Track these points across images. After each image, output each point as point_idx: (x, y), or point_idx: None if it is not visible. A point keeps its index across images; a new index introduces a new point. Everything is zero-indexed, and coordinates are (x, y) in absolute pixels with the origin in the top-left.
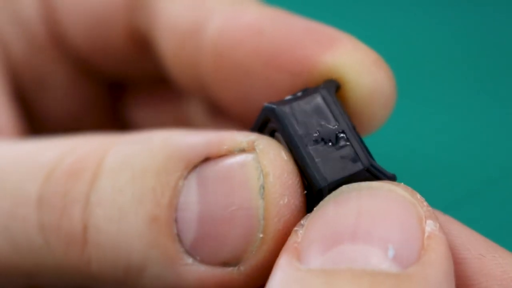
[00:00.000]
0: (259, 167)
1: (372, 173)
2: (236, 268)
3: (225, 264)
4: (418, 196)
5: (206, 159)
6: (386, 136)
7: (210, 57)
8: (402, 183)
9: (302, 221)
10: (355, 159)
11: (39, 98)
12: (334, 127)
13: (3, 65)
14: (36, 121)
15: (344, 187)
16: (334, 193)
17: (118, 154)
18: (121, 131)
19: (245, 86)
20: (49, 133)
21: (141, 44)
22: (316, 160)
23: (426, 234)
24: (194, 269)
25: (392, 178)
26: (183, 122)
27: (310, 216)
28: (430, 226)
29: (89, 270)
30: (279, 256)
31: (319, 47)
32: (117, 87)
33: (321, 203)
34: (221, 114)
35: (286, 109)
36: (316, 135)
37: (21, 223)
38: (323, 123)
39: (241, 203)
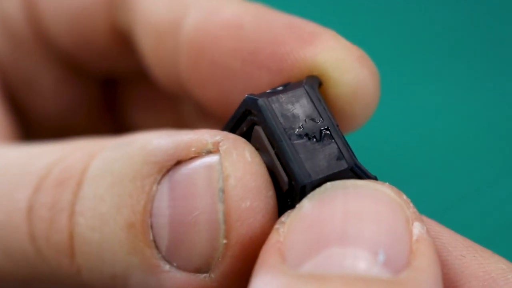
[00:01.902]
0: (221, 169)
1: (356, 173)
2: (208, 275)
3: (198, 270)
4: (404, 197)
5: (178, 162)
6: (370, 131)
7: (187, 54)
8: (387, 183)
9: (282, 218)
10: (340, 157)
11: (28, 98)
12: (318, 123)
13: None
14: (27, 121)
15: (328, 184)
16: (318, 190)
17: (101, 160)
18: (117, 129)
19: (224, 85)
20: (41, 132)
21: (123, 41)
22: (300, 155)
23: (414, 237)
24: (172, 275)
25: (374, 179)
26: (179, 119)
27: (293, 213)
28: (417, 228)
29: (81, 278)
30: (261, 255)
31: (299, 43)
32: (111, 85)
33: (304, 200)
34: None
35: (269, 101)
36: (300, 130)
37: (13, 232)
38: (307, 118)
39: (203, 207)
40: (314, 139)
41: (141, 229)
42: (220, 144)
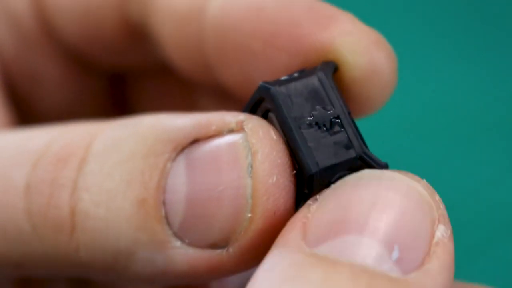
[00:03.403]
0: (248, 145)
1: (365, 161)
2: (225, 250)
3: (214, 246)
4: (437, 197)
5: (195, 141)
6: (369, 131)
7: (213, 36)
8: (425, 180)
9: (317, 196)
10: (348, 145)
11: (32, 93)
12: (329, 112)
13: None
14: (30, 116)
15: (366, 172)
16: (355, 175)
17: (106, 138)
18: None
19: (248, 67)
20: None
21: (135, 33)
22: (309, 144)
23: (434, 240)
24: (183, 252)
25: (384, 167)
26: (191, 110)
27: (327, 193)
28: (440, 231)
29: (78, 257)
30: (286, 227)
31: (317, 26)
32: (119, 80)
33: (340, 182)
34: (228, 99)
35: (282, 89)
36: (311, 118)
37: (9, 210)
38: (318, 106)
39: (229, 182)
40: (324, 128)
41: (153, 205)
42: (244, 123)
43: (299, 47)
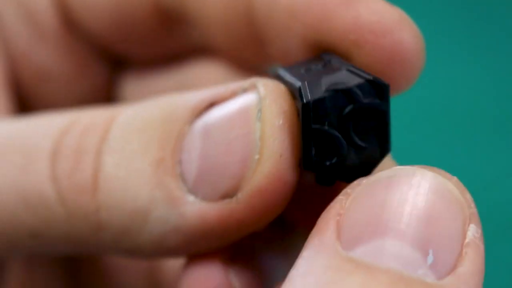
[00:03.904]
0: (259, 96)
1: (352, 72)
2: (234, 198)
3: (225, 196)
4: (468, 195)
5: (212, 104)
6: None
7: (263, 11)
8: (456, 178)
9: (348, 190)
10: (339, 68)
11: (38, 90)
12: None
13: (2, 57)
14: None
15: (398, 169)
16: (388, 171)
17: (129, 112)
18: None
19: (289, 38)
20: None
21: (167, 19)
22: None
23: (466, 240)
24: (196, 207)
25: (371, 79)
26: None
27: (359, 190)
28: (472, 231)
29: (97, 218)
30: (319, 223)
31: (338, 4)
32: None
33: (372, 179)
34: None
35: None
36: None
37: (33, 176)
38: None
39: (240, 129)
40: (320, 67)
41: (170, 163)
42: (257, 82)
43: (323, 25)
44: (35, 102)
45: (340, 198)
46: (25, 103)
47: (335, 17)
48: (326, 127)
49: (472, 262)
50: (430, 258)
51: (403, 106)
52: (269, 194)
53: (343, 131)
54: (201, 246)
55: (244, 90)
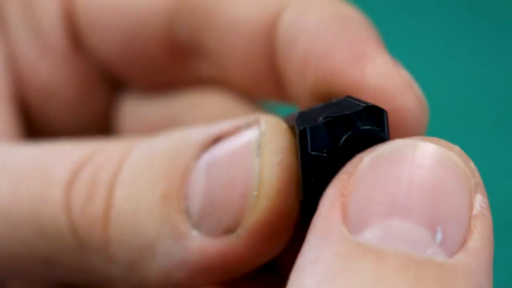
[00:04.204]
0: (260, 132)
1: (352, 99)
2: (235, 233)
3: (226, 231)
4: (472, 165)
5: (218, 139)
6: None
7: (283, 51)
8: (458, 147)
9: (349, 168)
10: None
11: (43, 107)
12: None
13: (8, 72)
14: (37, 131)
15: (399, 141)
16: (388, 146)
17: (142, 147)
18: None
19: (301, 88)
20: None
21: (179, 51)
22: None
23: (474, 212)
24: (198, 242)
25: (371, 107)
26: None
27: (361, 168)
28: (478, 202)
29: (108, 251)
30: (323, 204)
31: (348, 60)
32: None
33: (374, 155)
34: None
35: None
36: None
37: (49, 205)
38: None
39: (241, 164)
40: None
41: (176, 198)
42: (260, 117)
43: (332, 78)
44: (39, 118)
45: (342, 176)
46: (29, 118)
47: (342, 74)
48: (325, 154)
49: (481, 235)
50: (439, 236)
51: None
52: (268, 230)
53: (341, 158)
54: (205, 280)
55: (248, 126)
